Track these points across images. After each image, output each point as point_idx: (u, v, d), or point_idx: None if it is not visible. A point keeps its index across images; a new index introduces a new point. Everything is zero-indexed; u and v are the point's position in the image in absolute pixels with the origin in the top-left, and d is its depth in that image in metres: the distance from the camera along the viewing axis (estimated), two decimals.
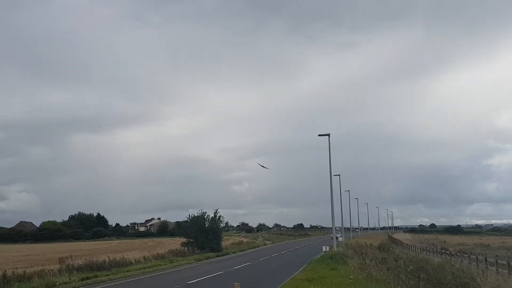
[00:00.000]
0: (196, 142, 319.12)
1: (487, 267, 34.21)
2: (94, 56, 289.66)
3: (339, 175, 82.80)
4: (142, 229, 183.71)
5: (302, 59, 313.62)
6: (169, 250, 61.52)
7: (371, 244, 64.99)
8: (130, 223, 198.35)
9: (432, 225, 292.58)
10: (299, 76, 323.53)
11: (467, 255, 48.32)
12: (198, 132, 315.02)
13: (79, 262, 40.80)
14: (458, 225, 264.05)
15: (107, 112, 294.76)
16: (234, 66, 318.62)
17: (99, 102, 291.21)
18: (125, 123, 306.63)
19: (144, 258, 50.91)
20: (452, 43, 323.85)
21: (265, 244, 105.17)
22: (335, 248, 57.78)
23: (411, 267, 21.96)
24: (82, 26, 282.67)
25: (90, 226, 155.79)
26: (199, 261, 54.59)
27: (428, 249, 66.49)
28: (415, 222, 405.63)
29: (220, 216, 67.87)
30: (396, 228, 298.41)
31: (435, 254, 55.76)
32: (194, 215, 67.68)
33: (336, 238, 68.19)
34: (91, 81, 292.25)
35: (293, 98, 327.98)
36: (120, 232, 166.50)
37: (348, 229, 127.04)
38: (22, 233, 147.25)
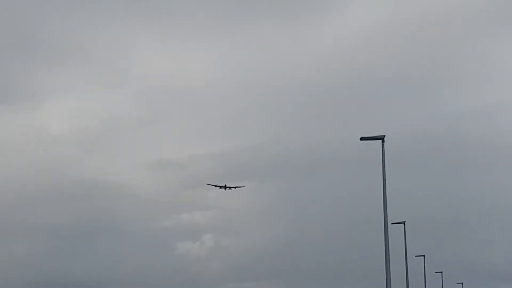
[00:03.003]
0: (101, 150, 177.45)
1: None
2: None
3: (403, 222, 62.89)
4: None
5: None
6: None
7: None
8: None
9: None
10: (328, 9, 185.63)
11: None
12: (107, 129, 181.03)
13: None
14: None
15: None
16: None
17: None
18: None
19: None
20: None
21: None
22: None
23: None
24: None
25: None
26: None
27: None
28: None
29: None
30: None
31: None
32: None
33: None
34: None
35: (313, 57, 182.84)
36: None
37: None
38: None
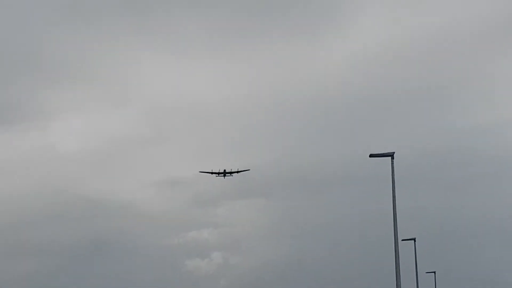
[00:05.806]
0: (110, 169, 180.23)
1: None
2: None
3: (413, 239, 60.99)
4: None
5: None
6: None
7: None
8: None
9: None
10: (338, 26, 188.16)
11: None
12: (115, 148, 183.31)
13: None
14: None
15: None
16: (199, 15, 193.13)
17: None
18: None
19: None
20: None
21: None
22: None
23: None
24: None
25: None
26: None
27: None
28: None
29: None
30: None
31: None
32: None
33: None
34: None
35: (322, 74, 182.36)
36: None
37: None
38: None
